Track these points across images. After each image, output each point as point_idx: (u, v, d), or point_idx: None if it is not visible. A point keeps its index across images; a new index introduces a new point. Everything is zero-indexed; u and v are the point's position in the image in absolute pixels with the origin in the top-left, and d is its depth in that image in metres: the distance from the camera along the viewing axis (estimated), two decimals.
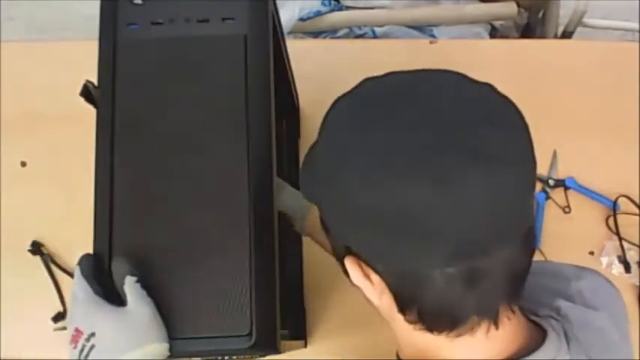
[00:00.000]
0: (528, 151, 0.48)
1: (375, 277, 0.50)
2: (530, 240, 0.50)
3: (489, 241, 0.45)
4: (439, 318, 0.49)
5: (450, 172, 0.43)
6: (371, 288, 0.51)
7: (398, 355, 0.59)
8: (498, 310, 0.50)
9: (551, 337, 0.54)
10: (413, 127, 0.46)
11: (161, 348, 0.58)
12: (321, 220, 0.54)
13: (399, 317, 0.51)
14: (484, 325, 0.50)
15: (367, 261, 0.50)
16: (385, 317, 0.55)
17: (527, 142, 0.48)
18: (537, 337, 0.55)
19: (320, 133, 0.52)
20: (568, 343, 0.55)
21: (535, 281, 0.60)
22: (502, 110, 0.48)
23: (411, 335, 0.53)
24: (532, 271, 0.52)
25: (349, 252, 0.51)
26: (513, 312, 0.51)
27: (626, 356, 0.62)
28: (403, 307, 0.50)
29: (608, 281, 0.66)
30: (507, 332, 0.52)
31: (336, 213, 0.50)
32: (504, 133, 0.46)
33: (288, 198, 0.81)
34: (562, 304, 0.60)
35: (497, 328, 0.50)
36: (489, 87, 0.49)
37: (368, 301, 0.53)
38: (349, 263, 0.51)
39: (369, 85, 0.50)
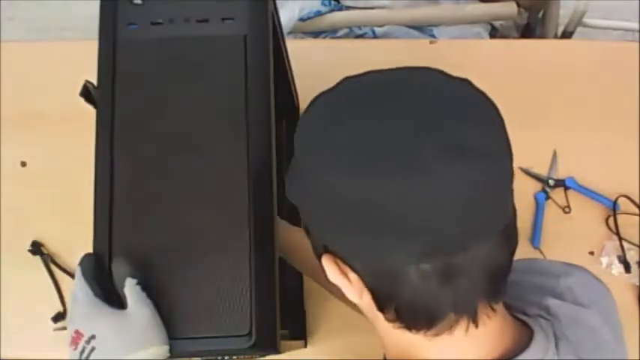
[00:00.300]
0: (505, 145, 0.47)
1: (352, 275, 0.50)
2: (509, 237, 0.49)
3: (465, 236, 0.45)
4: (416, 316, 0.49)
5: (425, 167, 0.43)
6: (349, 286, 0.50)
7: (385, 358, 0.59)
8: (477, 308, 0.49)
9: (538, 337, 0.54)
10: (389, 124, 0.46)
11: (161, 350, 0.58)
12: (302, 221, 0.54)
13: (380, 316, 0.51)
14: (463, 324, 0.49)
15: (344, 259, 0.50)
16: (368, 317, 0.55)
17: (503, 137, 0.48)
18: (526, 337, 0.54)
19: (297, 131, 0.52)
20: (557, 343, 0.55)
21: (523, 279, 0.59)
22: (479, 106, 0.48)
23: (392, 334, 0.53)
24: (520, 269, 0.51)
25: (327, 250, 0.51)
26: (494, 310, 0.51)
27: (619, 356, 0.61)
28: (381, 305, 0.50)
29: (597, 279, 0.65)
30: (490, 332, 0.52)
31: (313, 211, 0.50)
32: (481, 128, 0.46)
33: None
34: (551, 302, 0.59)
35: (476, 326, 0.50)
36: (467, 83, 0.49)
37: (348, 300, 0.53)
38: (326, 261, 0.51)
39: (347, 83, 0.51)
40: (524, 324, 0.56)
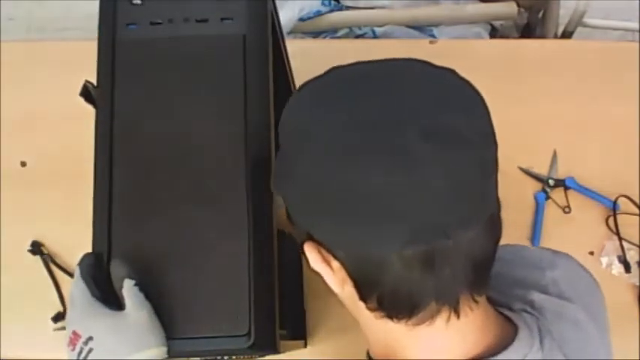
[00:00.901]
0: (489, 134, 0.48)
1: (335, 263, 0.50)
2: (494, 228, 0.49)
3: (448, 224, 0.45)
4: (398, 304, 0.49)
5: (405, 153, 0.43)
6: (331, 275, 0.50)
7: (368, 354, 0.58)
8: (459, 298, 0.49)
9: (522, 334, 0.53)
10: (371, 111, 0.46)
11: (159, 351, 0.58)
12: (286, 210, 0.53)
13: (362, 306, 0.51)
14: (444, 314, 0.49)
15: (327, 247, 0.50)
16: (350, 311, 0.55)
17: (487, 126, 0.48)
18: (510, 333, 0.54)
19: (282, 118, 0.52)
20: (541, 339, 0.54)
21: (508, 272, 0.59)
22: (462, 94, 0.48)
23: (374, 325, 0.53)
24: (505, 259, 0.51)
25: (310, 238, 0.51)
26: (476, 302, 0.51)
27: (603, 352, 0.61)
28: (363, 293, 0.50)
29: (585, 269, 0.65)
30: (472, 325, 0.51)
31: (296, 198, 0.50)
32: (463, 115, 0.46)
33: None
34: (536, 296, 0.59)
35: (458, 317, 0.49)
36: (451, 72, 0.50)
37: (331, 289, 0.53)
38: (308, 248, 0.51)
39: (334, 72, 0.51)
40: (509, 319, 0.56)
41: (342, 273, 0.50)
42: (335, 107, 0.47)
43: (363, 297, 0.50)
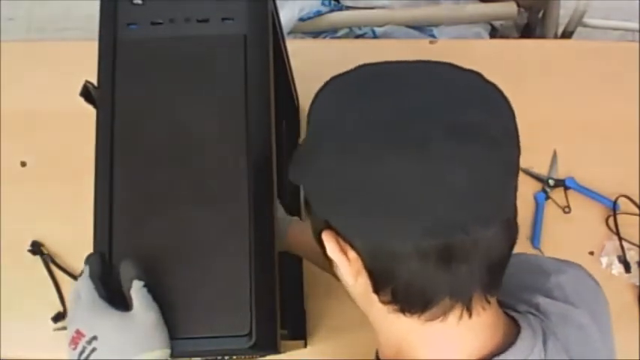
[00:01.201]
0: (513, 136, 0.48)
1: (352, 253, 0.50)
2: (511, 231, 0.49)
3: (467, 220, 0.45)
4: (412, 297, 0.49)
5: (427, 147, 0.44)
6: (347, 265, 0.51)
7: (377, 355, 0.58)
8: (472, 296, 0.49)
9: (524, 335, 0.54)
10: (396, 107, 0.46)
11: (162, 353, 0.58)
12: (305, 200, 0.54)
13: (374, 300, 0.51)
14: (457, 311, 0.49)
15: (345, 236, 0.50)
16: (361, 305, 0.55)
17: (512, 128, 0.48)
18: (514, 334, 0.54)
19: (309, 111, 0.53)
20: (545, 340, 0.55)
21: (516, 277, 0.60)
22: (488, 95, 0.49)
23: (385, 322, 0.53)
24: (513, 265, 0.51)
25: (328, 226, 0.51)
26: (489, 302, 0.51)
27: (605, 356, 0.61)
28: (378, 285, 0.50)
29: (591, 276, 0.66)
30: (483, 324, 0.52)
31: (317, 188, 0.51)
32: (489, 115, 0.47)
33: None
34: (541, 300, 0.59)
35: (470, 316, 0.50)
36: (477, 74, 0.50)
37: (343, 282, 0.53)
38: (326, 237, 0.51)
39: (362, 68, 0.52)
40: (514, 320, 0.56)
41: (358, 264, 0.50)
42: (358, 104, 0.48)
43: (377, 289, 0.50)
